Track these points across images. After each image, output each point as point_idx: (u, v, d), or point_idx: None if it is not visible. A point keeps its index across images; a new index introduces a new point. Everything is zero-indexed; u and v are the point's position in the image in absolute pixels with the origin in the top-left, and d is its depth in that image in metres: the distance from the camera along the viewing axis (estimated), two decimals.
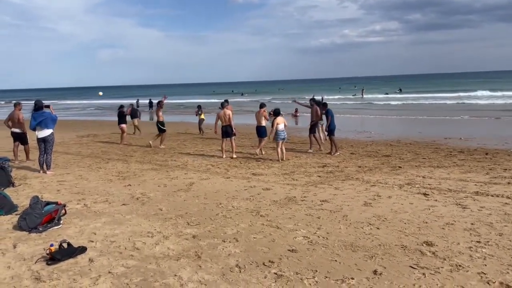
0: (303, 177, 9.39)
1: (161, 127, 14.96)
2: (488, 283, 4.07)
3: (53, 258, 4.62)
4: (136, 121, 20.14)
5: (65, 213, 6.32)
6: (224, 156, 12.31)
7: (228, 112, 12.29)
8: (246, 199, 7.48)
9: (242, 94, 77.15)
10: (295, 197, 7.55)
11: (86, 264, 4.60)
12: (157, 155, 13.03)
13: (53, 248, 4.73)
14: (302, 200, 7.31)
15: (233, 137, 12.35)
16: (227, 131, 12.26)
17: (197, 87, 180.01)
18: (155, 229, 5.80)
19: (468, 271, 4.34)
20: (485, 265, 4.48)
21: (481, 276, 4.20)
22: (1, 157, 9.51)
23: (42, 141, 9.91)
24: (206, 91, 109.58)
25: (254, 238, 5.42)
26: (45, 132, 9.85)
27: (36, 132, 9.94)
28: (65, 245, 4.86)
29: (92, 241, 5.32)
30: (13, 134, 11.77)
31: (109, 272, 4.38)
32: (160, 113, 15.03)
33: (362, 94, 58.33)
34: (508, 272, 4.28)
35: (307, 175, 9.67)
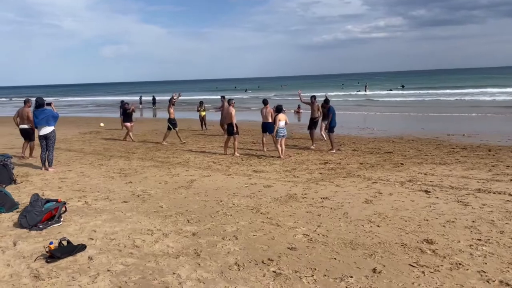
0: (305, 174, 9.37)
1: (169, 125, 14.94)
2: (488, 281, 4.05)
3: (53, 256, 4.63)
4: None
5: (66, 210, 6.33)
6: (226, 153, 12.30)
7: (231, 110, 12.25)
8: (246, 196, 7.47)
9: (246, 91, 77.15)
10: (296, 194, 7.53)
11: (85, 262, 4.61)
12: (159, 152, 13.03)
13: (52, 246, 4.74)
14: (303, 198, 7.29)
15: (236, 136, 12.29)
16: (229, 129, 12.26)
17: (200, 83, 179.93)
18: (155, 227, 5.80)
19: (468, 269, 4.32)
20: (485, 263, 4.46)
21: (481, 275, 4.18)
22: (3, 154, 9.55)
23: (44, 138, 9.93)
24: (209, 87, 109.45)
25: (254, 235, 5.41)
26: (46, 130, 9.86)
27: (38, 129, 9.96)
28: (64, 242, 4.87)
29: (92, 239, 5.33)
30: (21, 130, 11.87)
31: (108, 270, 4.38)
32: (172, 110, 14.97)
33: (365, 90, 58.19)
34: (508, 271, 4.25)
35: (309, 172, 9.65)
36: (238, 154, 12.12)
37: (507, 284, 3.98)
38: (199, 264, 4.51)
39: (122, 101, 22.68)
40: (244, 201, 7.14)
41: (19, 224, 5.78)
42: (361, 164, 10.51)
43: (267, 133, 13.03)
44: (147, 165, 10.82)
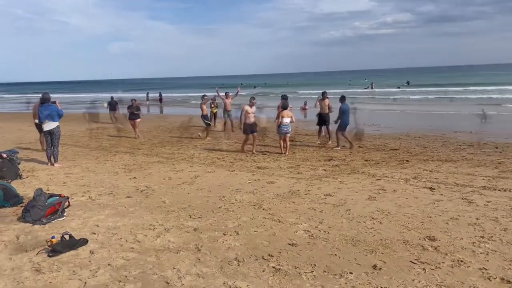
0: (308, 171, 9.35)
1: (204, 121, 15.02)
2: (489, 279, 4.01)
3: (54, 250, 4.67)
4: (115, 113, 21.77)
5: (69, 205, 6.37)
6: (252, 152, 11.95)
7: (243, 108, 12.19)
8: (249, 192, 7.46)
9: (254, 87, 77.00)
10: (298, 190, 7.51)
11: (87, 256, 4.64)
12: (164, 148, 13.06)
13: (54, 240, 4.78)
14: (305, 194, 7.27)
15: (247, 135, 12.19)
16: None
17: (207, 79, 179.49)
18: (157, 222, 5.82)
19: (469, 266, 4.28)
20: (487, 260, 4.42)
21: (483, 272, 4.15)
22: (9, 149, 9.63)
23: (49, 134, 10.00)
24: (215, 83, 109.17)
25: (255, 231, 5.41)
26: (51, 125, 9.92)
27: (43, 125, 10.04)
28: (66, 237, 4.90)
29: (94, 233, 5.37)
30: (36, 125, 12.07)
31: (109, 265, 4.41)
32: (204, 107, 15.03)
33: (372, 87, 58.03)
34: (510, 268, 4.22)
35: (313, 168, 9.62)
36: (245, 152, 12.01)
37: (509, 282, 3.95)
38: (199, 259, 4.52)
39: (112, 97, 23.30)
40: (246, 197, 7.14)
41: (23, 219, 5.83)
42: (366, 161, 10.45)
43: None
44: (151, 161, 10.85)
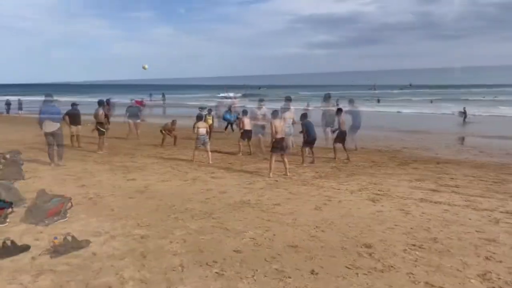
0: (311, 172, 9.62)
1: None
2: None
3: (57, 251, 4.77)
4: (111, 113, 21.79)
5: (71, 206, 6.43)
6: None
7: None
8: (247, 193, 7.74)
9: (259, 88, 76.86)
10: (298, 193, 7.73)
11: (89, 257, 4.74)
12: (164, 150, 13.24)
13: (56, 241, 4.87)
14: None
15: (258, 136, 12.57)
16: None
17: (209, 80, 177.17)
18: (157, 222, 6.01)
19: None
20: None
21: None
22: (12, 150, 9.76)
23: (51, 135, 10.12)
24: (215, 85, 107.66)
25: (256, 232, 5.60)
26: (52, 127, 10.09)
27: (43, 126, 10.14)
28: (69, 238, 4.98)
29: (97, 234, 5.48)
30: None
31: (112, 266, 4.54)
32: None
33: (374, 89, 58.26)
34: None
35: (315, 169, 9.93)
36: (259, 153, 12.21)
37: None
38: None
39: (108, 99, 23.57)
40: (247, 197, 7.42)
41: (25, 219, 5.93)
42: (370, 162, 10.80)
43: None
44: (150, 162, 11.01)
